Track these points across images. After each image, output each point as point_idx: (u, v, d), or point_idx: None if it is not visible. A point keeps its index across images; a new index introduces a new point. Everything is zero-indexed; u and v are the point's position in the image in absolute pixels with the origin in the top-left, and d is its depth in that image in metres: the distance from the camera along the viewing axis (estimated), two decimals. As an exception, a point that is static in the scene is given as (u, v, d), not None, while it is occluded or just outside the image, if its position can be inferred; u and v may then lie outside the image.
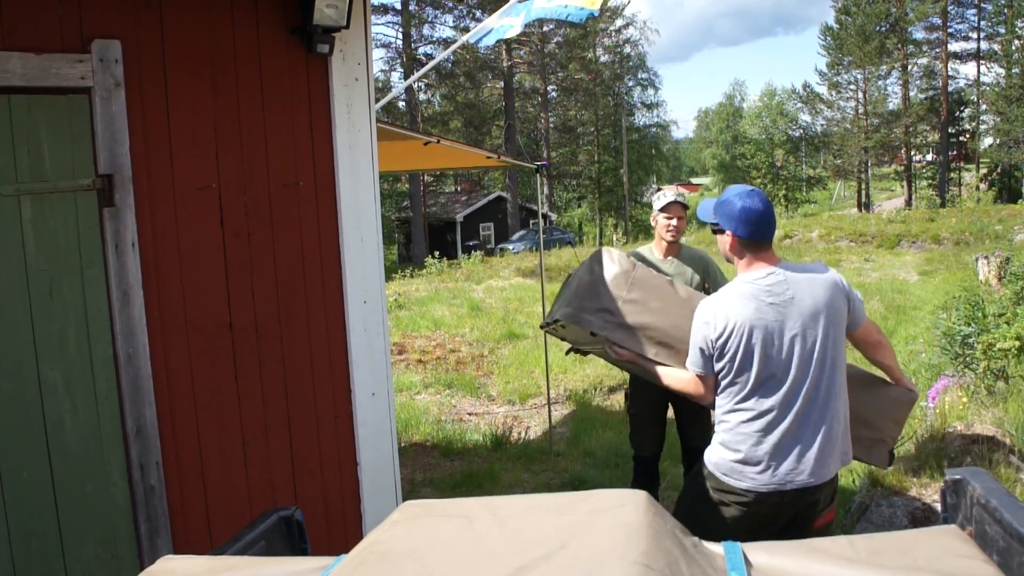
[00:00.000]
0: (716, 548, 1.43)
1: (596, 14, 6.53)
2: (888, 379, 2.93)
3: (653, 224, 4.06)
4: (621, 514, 1.41)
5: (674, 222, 4.01)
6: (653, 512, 1.43)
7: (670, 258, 4.07)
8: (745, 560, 1.37)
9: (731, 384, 2.56)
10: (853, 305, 2.62)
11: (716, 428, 2.67)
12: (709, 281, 4.06)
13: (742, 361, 2.50)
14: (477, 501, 1.62)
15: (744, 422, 2.54)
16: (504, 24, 6.80)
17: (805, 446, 2.50)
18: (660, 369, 2.97)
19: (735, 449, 2.56)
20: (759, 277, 2.54)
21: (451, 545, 1.40)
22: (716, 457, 2.63)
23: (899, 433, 2.99)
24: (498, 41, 7.49)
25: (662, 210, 3.99)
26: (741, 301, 2.51)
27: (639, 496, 1.49)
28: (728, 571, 1.33)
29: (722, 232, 2.62)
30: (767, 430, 2.51)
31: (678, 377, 2.82)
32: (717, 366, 2.57)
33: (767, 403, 2.50)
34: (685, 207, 4.06)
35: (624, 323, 3.05)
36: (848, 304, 2.60)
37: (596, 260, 3.21)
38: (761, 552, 1.40)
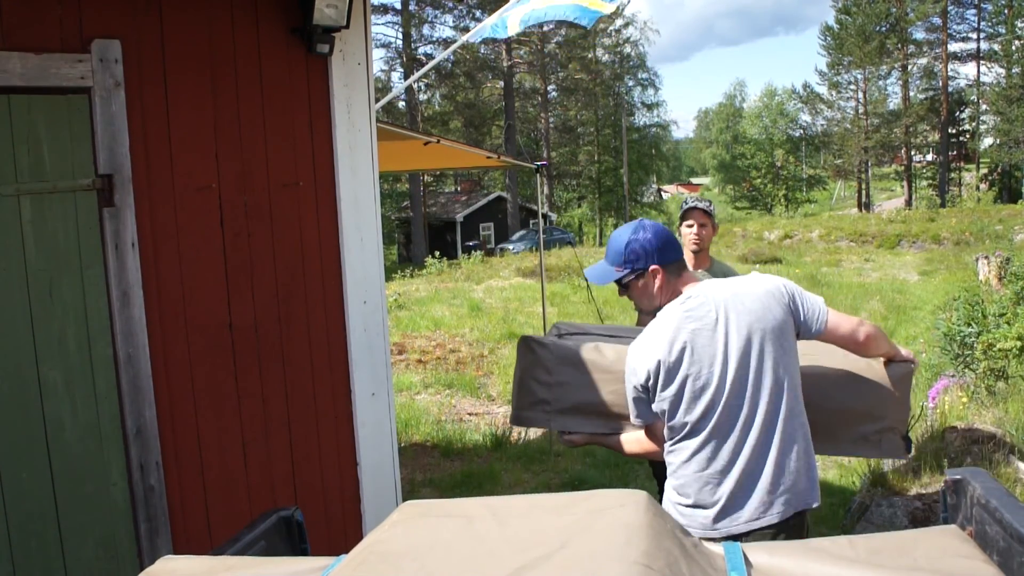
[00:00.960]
0: (716, 548, 1.43)
1: (605, 14, 6.49)
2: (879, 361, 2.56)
3: (679, 236, 3.68)
4: (621, 514, 1.41)
5: (694, 230, 3.70)
6: (653, 512, 1.43)
7: (700, 271, 3.63)
8: (745, 560, 1.36)
9: (671, 426, 2.30)
10: (802, 311, 2.29)
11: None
12: None
13: (674, 399, 2.24)
14: (477, 501, 1.61)
15: (685, 462, 2.28)
16: (501, 19, 6.76)
17: (750, 482, 2.21)
18: (619, 439, 2.63)
19: (684, 494, 2.30)
20: (679, 303, 2.30)
21: (451, 545, 1.40)
22: (668, 503, 2.38)
23: (907, 413, 2.63)
24: (495, 40, 7.46)
25: (682, 218, 3.74)
26: (661, 335, 2.26)
27: (639, 496, 1.49)
28: (728, 571, 1.32)
29: (642, 274, 2.32)
30: (709, 468, 2.24)
31: (633, 439, 2.54)
32: (656, 408, 2.30)
33: (704, 439, 2.23)
34: (708, 213, 3.72)
35: (563, 408, 2.77)
36: (793, 312, 2.28)
37: (520, 352, 2.92)
38: (761, 552, 1.40)
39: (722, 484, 2.23)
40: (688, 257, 3.63)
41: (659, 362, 2.24)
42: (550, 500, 1.60)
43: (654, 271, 2.31)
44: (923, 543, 1.39)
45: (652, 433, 2.41)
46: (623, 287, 2.39)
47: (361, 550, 1.45)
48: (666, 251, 2.32)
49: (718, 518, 2.24)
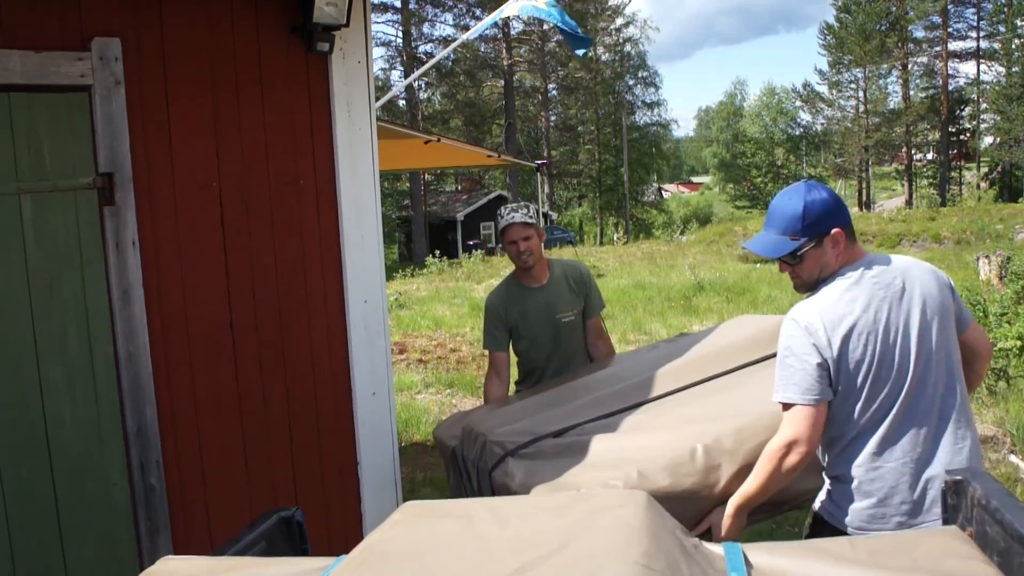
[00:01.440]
0: (716, 549, 1.42)
1: (583, 54, 6.54)
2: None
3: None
4: (621, 514, 1.40)
5: (519, 245, 3.25)
6: (653, 512, 1.42)
7: (539, 286, 3.36)
8: (745, 561, 1.36)
9: (850, 407, 1.99)
10: (958, 301, 2.12)
11: (829, 473, 2.12)
12: (588, 304, 3.41)
13: (865, 373, 1.96)
14: (479, 502, 1.61)
15: (874, 454, 1.98)
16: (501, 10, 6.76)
17: (938, 470, 1.96)
18: (755, 474, 2.06)
19: (867, 492, 1.99)
20: (861, 269, 2.03)
21: (451, 545, 1.40)
22: (845, 509, 2.02)
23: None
24: (495, 39, 7.47)
25: (502, 234, 3.29)
26: (851, 297, 1.98)
27: (639, 496, 1.48)
28: (728, 572, 1.32)
29: (820, 240, 2.02)
30: (906, 457, 1.97)
31: (775, 452, 2.00)
32: (834, 386, 1.97)
33: (894, 422, 1.97)
34: (528, 224, 3.25)
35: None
36: (954, 299, 2.10)
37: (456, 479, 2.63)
38: (761, 552, 1.39)
39: (923, 472, 1.97)
40: (521, 274, 3.35)
41: (851, 328, 1.96)
42: (551, 500, 1.59)
43: (836, 235, 2.03)
44: (923, 544, 1.38)
45: (817, 414, 1.96)
46: (793, 259, 2.06)
47: (362, 550, 1.44)
48: (843, 210, 2.06)
49: (915, 512, 1.96)
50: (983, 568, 1.28)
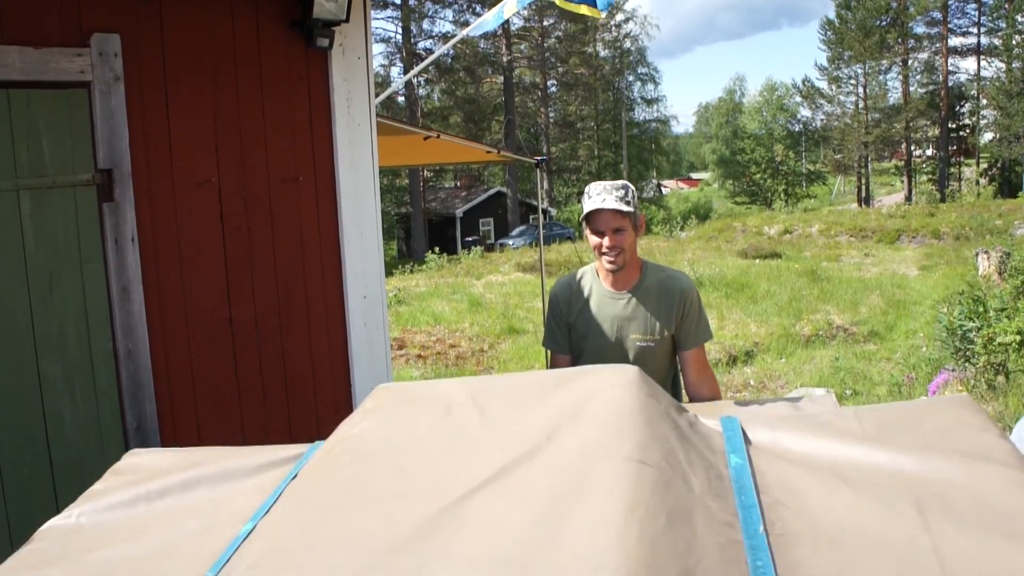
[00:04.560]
0: (714, 425, 1.29)
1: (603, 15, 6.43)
2: None
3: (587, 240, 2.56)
4: (612, 397, 1.25)
5: (606, 241, 2.45)
6: (646, 392, 1.27)
7: (623, 292, 2.55)
8: (744, 438, 1.25)
9: None
10: None
11: None
12: (682, 330, 2.55)
13: None
14: (457, 383, 1.41)
15: None
16: (498, 12, 6.76)
17: None
18: None
19: None
20: None
21: (428, 439, 1.27)
22: None
23: None
24: (494, 34, 7.42)
25: (586, 220, 2.49)
26: None
27: (631, 374, 1.31)
28: (727, 453, 1.21)
29: None
30: None
31: None
32: None
33: None
34: (622, 213, 2.43)
35: None
36: None
37: None
38: (761, 428, 1.27)
39: None
40: (605, 274, 2.56)
41: None
42: (534, 380, 1.39)
43: None
44: (933, 415, 1.26)
45: None
46: None
47: (335, 442, 1.33)
48: None
49: None
50: (996, 442, 1.17)
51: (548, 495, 1.06)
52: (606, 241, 2.44)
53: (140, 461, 1.52)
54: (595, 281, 2.63)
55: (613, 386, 1.28)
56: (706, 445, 1.22)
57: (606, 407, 1.22)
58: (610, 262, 2.47)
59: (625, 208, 2.42)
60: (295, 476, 1.33)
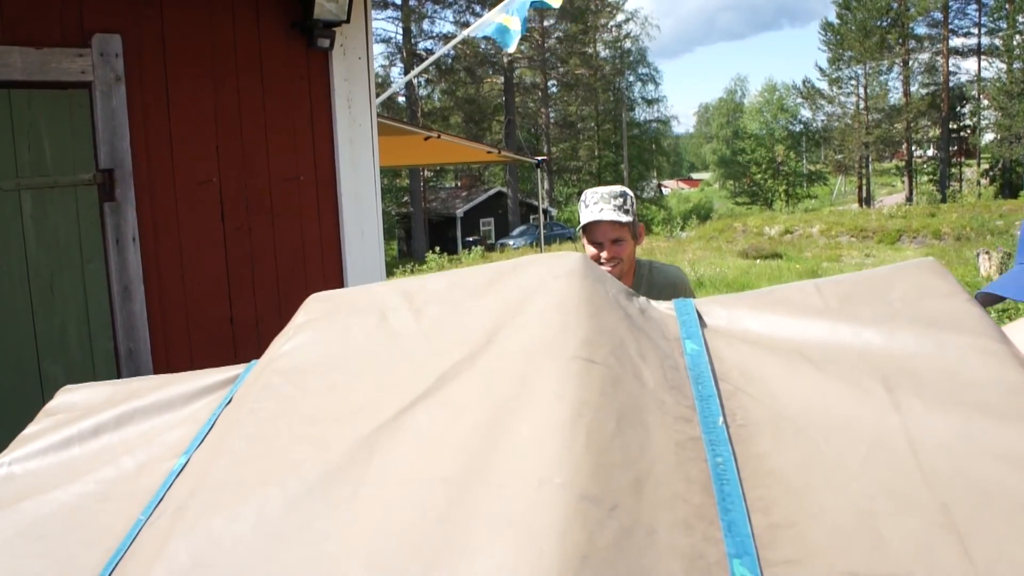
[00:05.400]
0: (667, 310, 1.21)
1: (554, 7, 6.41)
2: None
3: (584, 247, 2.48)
4: (555, 289, 1.17)
5: (604, 253, 2.38)
6: (592, 280, 1.19)
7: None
8: (700, 321, 1.18)
9: None
10: None
11: None
12: None
13: None
14: (390, 286, 1.35)
15: None
16: (512, 28, 6.78)
17: None
18: None
19: None
20: None
21: (361, 352, 1.20)
22: None
23: None
24: (505, 48, 7.42)
25: (583, 230, 2.42)
26: None
27: (575, 262, 1.23)
28: (683, 339, 1.13)
29: None
30: None
31: None
32: None
33: None
34: (622, 224, 2.36)
35: None
36: None
37: None
38: (716, 307, 1.19)
39: None
40: None
41: None
42: (472, 277, 1.33)
43: None
44: (899, 283, 1.20)
45: None
46: None
47: (266, 363, 1.26)
48: None
49: None
50: (965, 307, 1.12)
51: (489, 404, 0.99)
52: (604, 253, 2.38)
53: (72, 399, 1.45)
54: None
55: (557, 277, 1.19)
56: (659, 332, 1.14)
57: (548, 301, 1.14)
58: (608, 272, 2.28)
59: (624, 218, 2.35)
60: (229, 401, 1.28)
